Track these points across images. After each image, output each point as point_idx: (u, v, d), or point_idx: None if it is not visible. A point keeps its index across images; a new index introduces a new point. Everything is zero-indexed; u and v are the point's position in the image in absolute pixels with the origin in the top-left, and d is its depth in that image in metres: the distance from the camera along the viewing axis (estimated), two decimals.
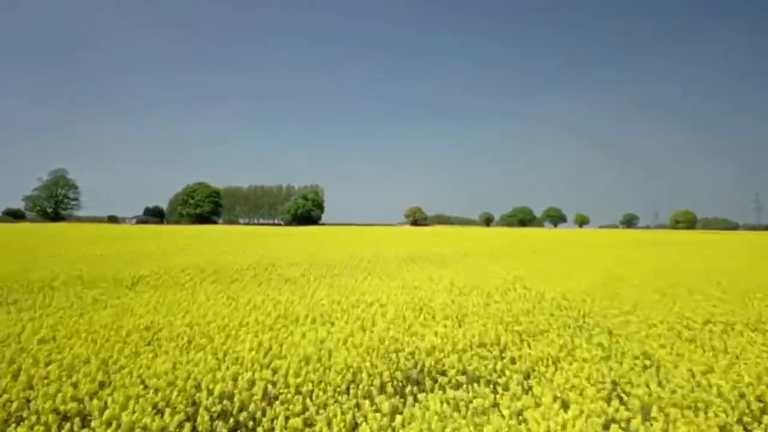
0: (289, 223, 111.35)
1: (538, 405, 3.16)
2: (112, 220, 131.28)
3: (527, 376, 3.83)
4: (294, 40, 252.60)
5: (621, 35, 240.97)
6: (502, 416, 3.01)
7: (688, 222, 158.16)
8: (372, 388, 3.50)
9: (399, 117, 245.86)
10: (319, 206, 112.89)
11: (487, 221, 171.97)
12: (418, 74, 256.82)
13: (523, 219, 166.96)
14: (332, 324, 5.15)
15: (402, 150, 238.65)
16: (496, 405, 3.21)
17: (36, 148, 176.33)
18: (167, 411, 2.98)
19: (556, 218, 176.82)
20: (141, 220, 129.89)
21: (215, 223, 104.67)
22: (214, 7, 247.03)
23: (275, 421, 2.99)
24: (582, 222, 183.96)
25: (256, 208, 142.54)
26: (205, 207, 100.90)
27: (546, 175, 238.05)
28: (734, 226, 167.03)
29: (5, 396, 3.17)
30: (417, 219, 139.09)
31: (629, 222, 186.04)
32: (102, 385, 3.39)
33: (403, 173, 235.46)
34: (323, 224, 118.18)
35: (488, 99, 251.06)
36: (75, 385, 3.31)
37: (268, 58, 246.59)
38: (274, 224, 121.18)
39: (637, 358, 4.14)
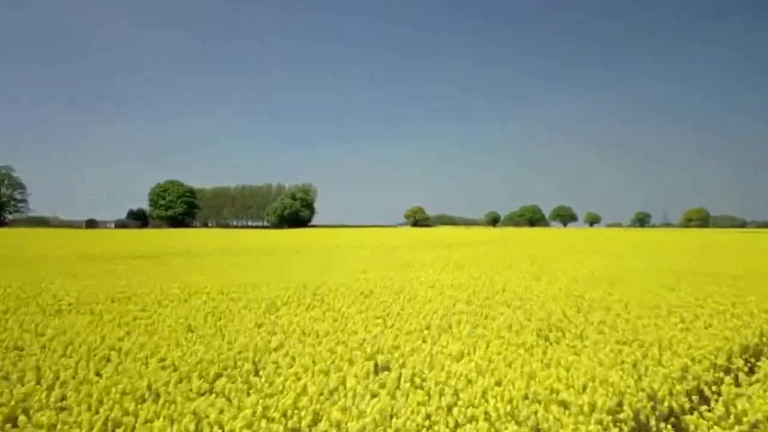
0: (275, 226, 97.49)
1: None
2: (91, 224, 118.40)
3: None
4: (294, 40, 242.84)
5: (622, 35, 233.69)
6: None
7: (701, 220, 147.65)
8: None
9: (399, 117, 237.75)
10: (309, 206, 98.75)
11: (494, 221, 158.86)
12: (418, 74, 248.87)
13: (532, 218, 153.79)
14: None
15: (402, 150, 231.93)
16: None
17: (35, 149, 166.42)
18: None
19: (566, 217, 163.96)
20: (120, 224, 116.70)
21: (189, 226, 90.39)
22: (214, 7, 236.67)
23: None
24: (593, 221, 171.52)
25: (245, 209, 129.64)
26: (177, 208, 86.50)
27: (548, 174, 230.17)
28: (742, 224, 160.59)
29: None
30: (418, 220, 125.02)
31: (642, 221, 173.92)
32: None
33: (404, 173, 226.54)
34: (313, 226, 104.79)
35: (489, 99, 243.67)
36: None
37: (268, 58, 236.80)
38: (263, 227, 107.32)
39: None
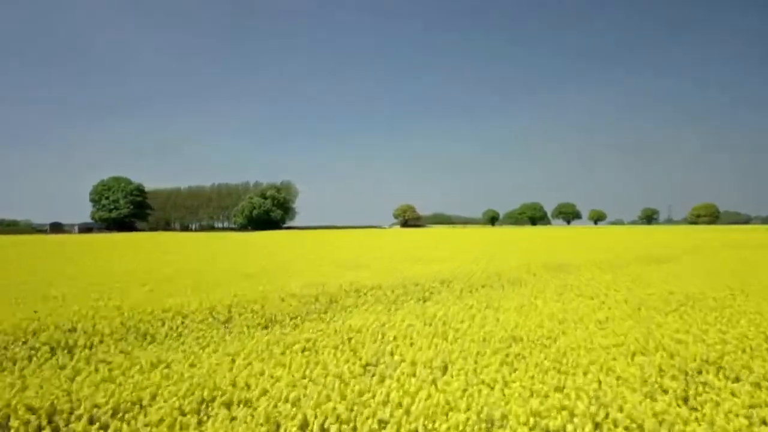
0: (244, 228, 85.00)
1: None
2: (56, 228, 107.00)
3: None
4: (290, 40, 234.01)
5: (623, 31, 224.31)
6: None
7: (710, 216, 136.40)
8: None
9: (396, 115, 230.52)
10: (282, 206, 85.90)
11: (492, 220, 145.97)
12: (417, 73, 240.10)
13: (534, 216, 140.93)
14: None
15: (399, 149, 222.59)
16: None
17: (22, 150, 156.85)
18: None
19: (569, 215, 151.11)
20: (84, 228, 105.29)
21: (137, 229, 77.43)
22: (213, 7, 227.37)
23: None
24: (597, 218, 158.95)
25: (221, 209, 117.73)
26: (123, 209, 73.69)
27: (548, 171, 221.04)
28: (746, 220, 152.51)
29: None
30: (408, 219, 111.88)
31: (649, 218, 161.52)
32: None
33: (401, 172, 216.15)
34: (290, 228, 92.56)
35: (488, 96, 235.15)
36: None
37: (262, 58, 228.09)
38: (235, 229, 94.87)
39: None
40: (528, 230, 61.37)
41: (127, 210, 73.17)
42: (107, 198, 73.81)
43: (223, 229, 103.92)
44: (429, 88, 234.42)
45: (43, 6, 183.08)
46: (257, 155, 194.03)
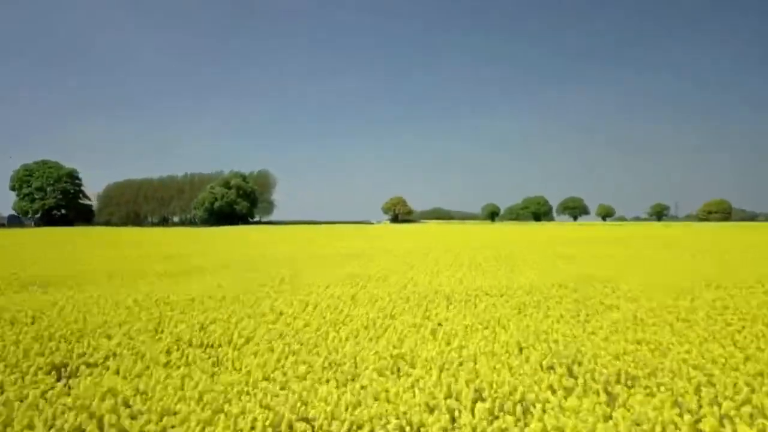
0: (205, 222, 72.59)
1: None
2: (14, 221, 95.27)
3: None
4: (292, 39, 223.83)
5: (620, 32, 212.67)
6: None
7: (722, 212, 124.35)
8: None
9: (395, 115, 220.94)
10: (248, 197, 73.20)
11: (492, 215, 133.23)
12: (417, 73, 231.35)
13: (537, 212, 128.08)
14: None
15: (397, 148, 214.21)
16: None
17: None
18: None
19: (575, 210, 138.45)
20: (39, 222, 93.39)
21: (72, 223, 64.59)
22: (213, 7, 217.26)
23: None
24: (606, 214, 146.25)
25: (192, 201, 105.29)
26: (48, 199, 60.68)
27: (548, 168, 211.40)
28: (752, 217, 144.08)
29: None
30: (398, 214, 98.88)
31: (660, 214, 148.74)
32: None
33: (399, 171, 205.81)
34: (265, 223, 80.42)
35: (488, 96, 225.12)
36: None
37: (265, 58, 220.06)
38: (195, 224, 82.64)
39: None
40: (543, 229, 46.56)
41: (54, 200, 60.01)
42: (29, 185, 60.64)
43: (190, 223, 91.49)
44: (429, 88, 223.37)
45: (43, 6, 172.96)
46: (256, 154, 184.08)
